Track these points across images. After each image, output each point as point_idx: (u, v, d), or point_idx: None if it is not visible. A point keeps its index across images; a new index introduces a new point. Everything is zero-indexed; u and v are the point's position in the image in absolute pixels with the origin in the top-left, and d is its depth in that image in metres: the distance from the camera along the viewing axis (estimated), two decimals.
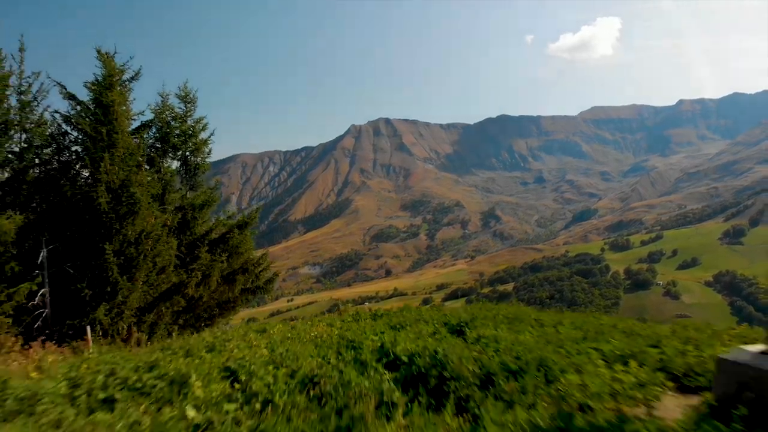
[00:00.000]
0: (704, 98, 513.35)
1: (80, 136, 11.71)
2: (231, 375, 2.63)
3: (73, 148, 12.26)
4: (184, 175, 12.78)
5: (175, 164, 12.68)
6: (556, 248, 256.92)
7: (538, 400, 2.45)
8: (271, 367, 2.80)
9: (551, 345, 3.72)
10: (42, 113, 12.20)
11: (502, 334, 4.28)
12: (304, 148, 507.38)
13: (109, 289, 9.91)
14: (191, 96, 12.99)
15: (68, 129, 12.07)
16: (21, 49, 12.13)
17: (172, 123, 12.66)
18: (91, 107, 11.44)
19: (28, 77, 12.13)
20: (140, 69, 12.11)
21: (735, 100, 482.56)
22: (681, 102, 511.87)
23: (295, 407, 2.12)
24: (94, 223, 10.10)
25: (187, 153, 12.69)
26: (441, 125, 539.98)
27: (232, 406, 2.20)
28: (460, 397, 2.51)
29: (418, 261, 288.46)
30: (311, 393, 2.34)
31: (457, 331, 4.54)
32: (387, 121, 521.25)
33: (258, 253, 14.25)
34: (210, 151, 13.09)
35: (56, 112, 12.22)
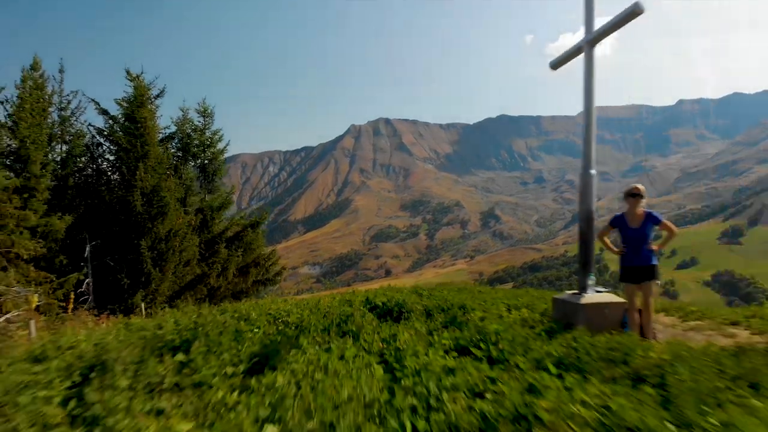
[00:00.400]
0: (704, 98, 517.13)
1: (113, 147, 13.44)
2: (274, 318, 4.24)
3: (106, 156, 14.00)
4: (202, 180, 14.50)
5: (195, 170, 14.40)
6: (555, 248, 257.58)
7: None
8: (297, 309, 4.52)
9: (476, 300, 5.51)
10: (79, 127, 13.96)
11: (445, 294, 6.20)
12: (304, 148, 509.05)
13: (143, 279, 11.64)
14: (209, 111, 14.74)
15: (101, 141, 13.80)
16: (60, 71, 13.90)
17: (192, 135, 14.38)
18: (122, 121, 13.18)
19: (67, 95, 13.89)
20: (164, 87, 13.86)
21: (734, 99, 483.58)
22: (680, 102, 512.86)
23: (316, 321, 3.73)
24: (129, 223, 11.83)
25: (206, 161, 14.43)
26: (441, 125, 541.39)
27: (280, 326, 3.80)
28: (409, 319, 4.23)
29: (418, 261, 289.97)
30: (326, 318, 4.00)
31: (417, 293, 6.52)
32: (387, 121, 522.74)
33: (268, 249, 16.09)
34: (224, 160, 14.87)
35: (90, 125, 13.98)
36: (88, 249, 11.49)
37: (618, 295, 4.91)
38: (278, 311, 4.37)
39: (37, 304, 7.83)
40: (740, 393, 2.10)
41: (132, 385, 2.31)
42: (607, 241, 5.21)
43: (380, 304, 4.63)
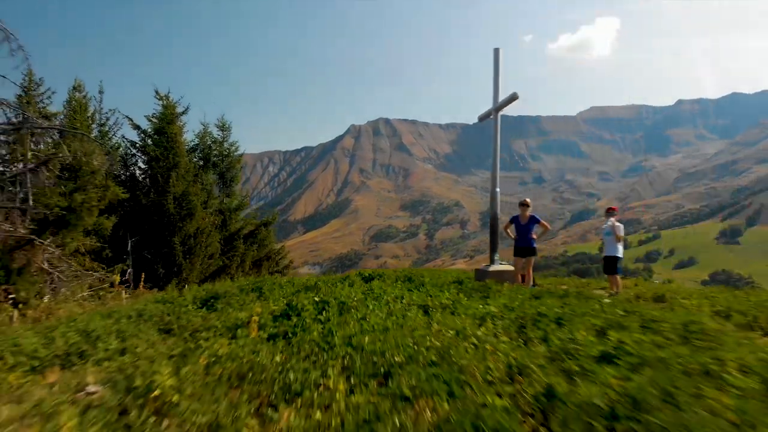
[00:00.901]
0: (703, 98, 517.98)
1: (145, 157, 15.76)
2: (295, 283, 6.62)
3: (139, 165, 16.31)
4: (221, 185, 16.80)
5: (215, 177, 16.72)
6: (554, 248, 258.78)
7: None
8: (315, 279, 7.01)
9: (433, 275, 7.97)
10: (116, 140, 16.29)
11: (414, 270, 8.86)
12: (304, 148, 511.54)
13: (176, 269, 13.96)
14: (227, 125, 17.11)
15: (135, 152, 16.11)
16: (100, 92, 16.25)
17: (212, 146, 16.71)
18: (152, 135, 15.49)
19: (106, 113, 16.23)
20: (189, 105, 16.17)
21: (734, 100, 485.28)
22: (680, 102, 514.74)
23: (327, 280, 6.20)
24: (163, 222, 14.15)
25: (224, 169, 16.75)
26: (440, 125, 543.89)
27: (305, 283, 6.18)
28: (382, 279, 6.65)
29: (418, 261, 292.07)
30: (333, 279, 6.43)
31: (394, 271, 9.08)
32: (386, 121, 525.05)
33: (278, 245, 18.47)
34: (241, 168, 17.25)
35: (124, 137, 16.31)
36: (129, 244, 13.83)
37: (510, 266, 8.12)
38: (300, 282, 6.68)
39: (112, 282, 10.12)
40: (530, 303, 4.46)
41: (235, 303, 4.65)
42: (509, 231, 8.21)
43: (366, 274, 7.00)
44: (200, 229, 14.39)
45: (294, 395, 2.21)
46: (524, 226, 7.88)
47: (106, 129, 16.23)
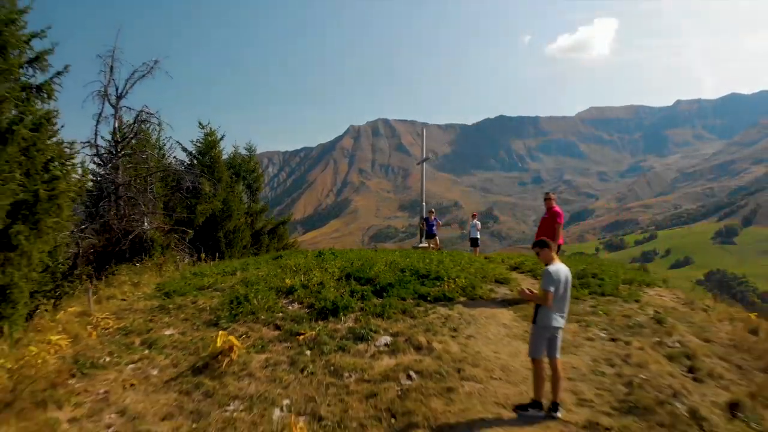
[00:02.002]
0: (702, 98, 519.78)
1: (194, 173, 20.71)
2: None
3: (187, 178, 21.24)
4: (248, 193, 21.68)
5: (243, 187, 21.67)
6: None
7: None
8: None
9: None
10: (170, 161, 21.24)
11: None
12: (303, 149, 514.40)
13: (219, 257, 18.97)
14: (253, 147, 22.10)
15: (184, 169, 21.05)
16: (159, 123, 21.27)
17: (242, 164, 21.68)
18: (197, 155, 20.45)
19: (163, 140, 21.18)
20: (225, 133, 21.10)
21: (732, 100, 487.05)
22: (678, 102, 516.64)
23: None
24: (212, 221, 19.14)
25: (251, 181, 21.66)
26: (439, 125, 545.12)
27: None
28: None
29: None
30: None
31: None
32: (386, 121, 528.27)
33: (291, 239, 23.41)
34: (263, 180, 22.20)
35: (174, 157, 21.26)
36: (188, 237, 18.85)
37: (428, 244, 13.63)
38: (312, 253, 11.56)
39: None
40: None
41: (288, 259, 9.74)
42: (423, 226, 13.95)
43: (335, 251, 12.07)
44: (237, 226, 19.33)
45: (306, 271, 7.12)
46: (431, 223, 15.21)
47: (163, 152, 21.23)
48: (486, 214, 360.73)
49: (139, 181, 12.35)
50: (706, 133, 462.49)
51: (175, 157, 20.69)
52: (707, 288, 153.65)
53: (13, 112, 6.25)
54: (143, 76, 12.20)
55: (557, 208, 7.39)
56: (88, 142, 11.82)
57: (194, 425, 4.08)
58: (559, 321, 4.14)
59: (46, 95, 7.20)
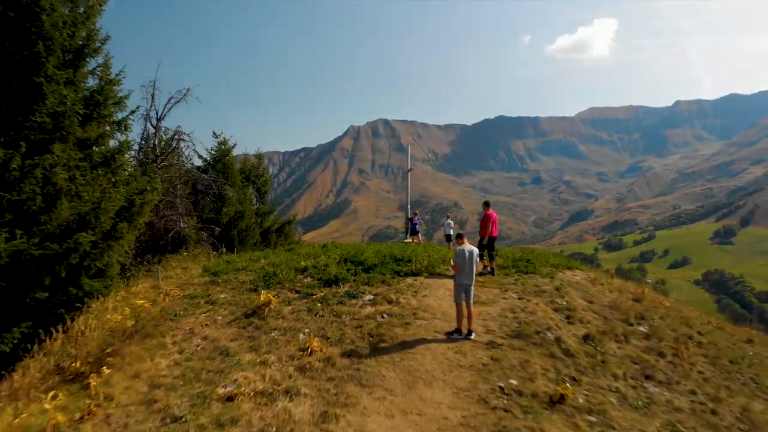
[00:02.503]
0: (701, 99, 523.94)
1: (218, 181, 23.46)
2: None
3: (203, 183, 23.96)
4: (257, 196, 24.42)
5: (253, 190, 24.40)
6: (551, 248, 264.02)
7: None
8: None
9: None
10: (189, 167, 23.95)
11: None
12: (303, 149, 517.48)
13: (233, 252, 21.73)
14: (261, 155, 24.88)
15: (202, 174, 23.80)
16: (191, 141, 23.89)
17: (252, 170, 24.42)
18: (212, 162, 23.18)
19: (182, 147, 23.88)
20: (236, 142, 23.83)
21: (732, 100, 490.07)
22: (678, 102, 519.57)
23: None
24: (227, 222, 21.91)
25: (260, 186, 24.41)
26: (439, 126, 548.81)
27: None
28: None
29: None
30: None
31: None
32: (385, 122, 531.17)
33: (296, 237, 26.14)
34: (271, 184, 24.98)
35: (191, 163, 24.01)
36: (216, 234, 21.55)
37: (413, 240, 16.29)
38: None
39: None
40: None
41: (300, 250, 12.48)
42: (408, 225, 16.40)
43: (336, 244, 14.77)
44: (248, 225, 22.07)
45: (314, 257, 9.81)
46: (414, 222, 18.06)
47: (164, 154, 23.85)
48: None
49: (174, 188, 15.10)
50: (705, 134, 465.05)
51: (192, 163, 23.41)
52: (704, 288, 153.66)
53: (111, 143, 8.99)
54: (178, 101, 14.95)
55: (488, 212, 10.15)
56: (135, 156, 14.59)
57: (251, 343, 6.81)
58: (467, 280, 6.89)
59: (124, 128, 9.96)
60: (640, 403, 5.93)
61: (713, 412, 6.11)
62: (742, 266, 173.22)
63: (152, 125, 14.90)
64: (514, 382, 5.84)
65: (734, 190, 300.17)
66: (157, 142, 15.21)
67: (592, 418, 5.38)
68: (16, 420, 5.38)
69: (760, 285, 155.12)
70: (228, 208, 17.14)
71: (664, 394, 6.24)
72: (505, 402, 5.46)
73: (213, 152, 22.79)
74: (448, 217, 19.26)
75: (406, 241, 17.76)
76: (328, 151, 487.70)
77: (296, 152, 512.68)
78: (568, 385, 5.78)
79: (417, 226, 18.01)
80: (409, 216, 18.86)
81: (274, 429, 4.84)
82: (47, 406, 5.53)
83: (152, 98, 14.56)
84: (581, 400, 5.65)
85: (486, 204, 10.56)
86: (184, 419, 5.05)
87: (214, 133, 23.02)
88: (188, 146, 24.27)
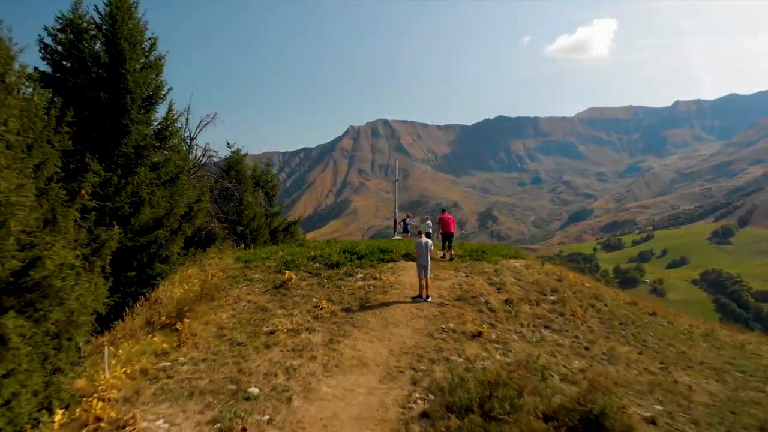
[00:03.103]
0: (700, 99, 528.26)
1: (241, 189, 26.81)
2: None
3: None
4: (266, 199, 27.80)
5: (262, 194, 27.78)
6: (550, 248, 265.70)
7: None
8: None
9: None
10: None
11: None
12: (303, 149, 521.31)
13: (247, 247, 25.09)
14: (270, 163, 28.26)
15: (227, 184, 27.18)
16: (219, 156, 27.48)
17: (262, 177, 27.82)
18: (228, 170, 26.53)
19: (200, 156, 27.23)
20: (247, 151, 27.22)
21: (731, 100, 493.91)
22: (677, 103, 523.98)
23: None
24: (240, 222, 25.30)
25: (269, 190, 27.81)
26: (439, 126, 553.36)
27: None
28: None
29: None
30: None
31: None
32: (385, 122, 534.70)
33: (302, 236, 29.54)
34: (279, 189, 28.39)
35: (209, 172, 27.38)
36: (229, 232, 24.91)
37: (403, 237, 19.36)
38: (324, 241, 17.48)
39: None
40: None
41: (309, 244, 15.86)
42: (399, 225, 19.74)
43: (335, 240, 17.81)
44: (259, 225, 25.46)
45: (321, 249, 13.18)
46: (406, 222, 21.16)
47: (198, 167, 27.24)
48: (485, 214, 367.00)
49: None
50: (704, 134, 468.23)
51: (208, 170, 26.72)
52: (702, 287, 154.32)
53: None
54: (207, 124, 18.33)
55: (443, 215, 13.67)
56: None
57: (281, 304, 10.19)
58: (424, 262, 10.28)
59: (177, 151, 13.33)
60: (534, 339, 9.30)
61: (586, 348, 9.46)
62: (739, 266, 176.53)
63: (187, 144, 18.27)
64: (451, 325, 9.21)
65: (733, 190, 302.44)
66: (191, 158, 18.56)
67: (498, 346, 8.74)
68: (136, 347, 8.72)
69: (758, 284, 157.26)
70: (248, 211, 20.52)
71: (554, 337, 9.61)
72: (443, 336, 8.83)
73: (228, 160, 26.14)
74: (428, 218, 22.45)
75: (396, 237, 21.02)
76: (327, 152, 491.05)
77: (296, 152, 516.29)
78: (485, 327, 9.14)
79: (408, 226, 21.08)
80: (402, 218, 22.05)
81: (301, 347, 8.19)
82: (153, 339, 8.89)
83: (186, 121, 17.94)
84: (493, 336, 9.01)
85: (443, 210, 13.97)
86: (244, 344, 8.40)
87: (228, 143, 26.37)
88: (213, 159, 27.78)
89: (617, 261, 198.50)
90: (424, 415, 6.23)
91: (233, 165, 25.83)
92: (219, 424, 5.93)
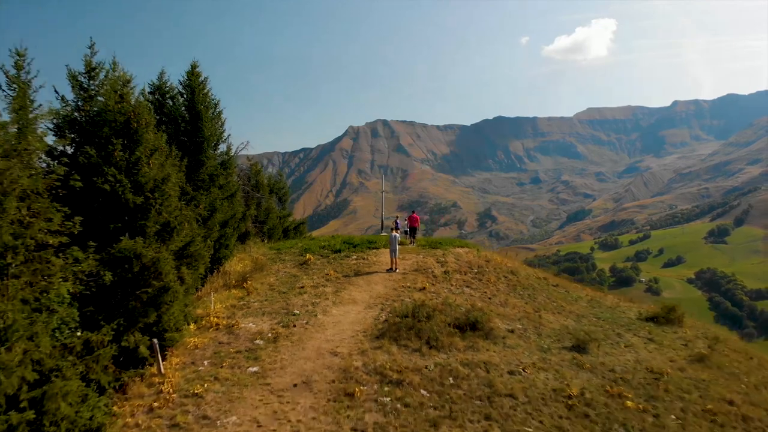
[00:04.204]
0: (698, 99, 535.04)
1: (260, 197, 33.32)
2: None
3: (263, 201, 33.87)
4: (278, 203, 34.34)
5: (275, 199, 34.32)
6: (548, 247, 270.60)
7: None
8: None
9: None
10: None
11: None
12: (303, 149, 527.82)
13: (264, 241, 31.66)
14: (282, 173, 34.81)
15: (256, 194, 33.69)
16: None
17: (275, 183, 34.33)
18: (246, 179, 33.05)
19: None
20: (265, 163, 33.73)
21: (729, 100, 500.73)
22: (675, 103, 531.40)
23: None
24: (259, 221, 31.83)
25: (281, 195, 34.34)
26: (438, 126, 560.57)
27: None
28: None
29: None
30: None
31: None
32: (384, 122, 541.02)
33: (308, 234, 36.07)
34: (289, 193, 34.94)
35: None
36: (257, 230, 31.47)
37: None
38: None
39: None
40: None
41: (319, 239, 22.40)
42: (392, 224, 25.73)
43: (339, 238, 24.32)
44: (273, 225, 31.99)
45: (328, 241, 19.71)
46: (398, 224, 25.87)
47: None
48: (484, 214, 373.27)
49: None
50: (702, 134, 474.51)
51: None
52: (697, 286, 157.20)
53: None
54: (241, 150, 24.73)
55: (413, 215, 20.14)
56: None
57: (305, 273, 16.71)
58: (393, 247, 16.81)
59: (230, 173, 19.82)
60: (457, 292, 15.76)
61: (489, 298, 15.90)
62: (734, 265, 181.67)
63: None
64: (408, 284, 15.70)
65: (730, 190, 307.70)
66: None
67: (433, 294, 15.19)
68: (223, 295, 15.15)
69: (752, 283, 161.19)
70: (273, 214, 27.02)
71: (470, 291, 16.08)
72: (402, 289, 15.31)
73: (247, 171, 32.45)
74: (407, 219, 28.16)
75: (383, 234, 27.32)
76: (327, 152, 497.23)
77: (296, 152, 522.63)
78: (428, 285, 15.61)
79: (399, 226, 27.23)
80: (394, 218, 27.99)
81: (319, 294, 14.65)
82: (231, 292, 15.36)
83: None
84: (432, 289, 15.49)
85: (413, 211, 20.50)
86: (286, 293, 14.85)
87: (248, 158, 32.81)
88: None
89: (614, 260, 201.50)
90: (385, 320, 12.70)
91: (252, 176, 32.22)
92: (281, 324, 12.39)
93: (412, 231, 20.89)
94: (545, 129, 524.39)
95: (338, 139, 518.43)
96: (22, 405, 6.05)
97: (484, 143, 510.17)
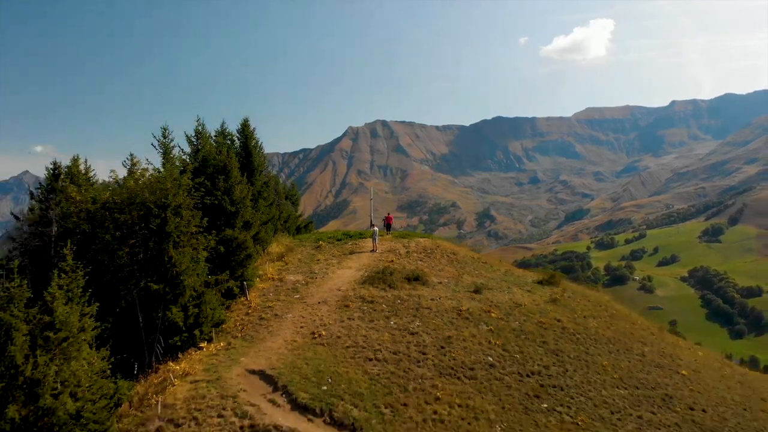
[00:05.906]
0: (697, 99, 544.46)
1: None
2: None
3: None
4: (292, 205, 44.27)
5: (288, 202, 44.30)
6: (546, 247, 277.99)
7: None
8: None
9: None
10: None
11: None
12: (302, 150, 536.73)
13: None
14: (294, 182, 44.85)
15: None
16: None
17: (289, 190, 44.30)
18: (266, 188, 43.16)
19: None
20: (278, 174, 43.78)
21: (727, 100, 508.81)
22: (674, 102, 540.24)
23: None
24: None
25: (292, 199, 44.28)
26: (437, 127, 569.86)
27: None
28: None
29: None
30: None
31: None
32: (384, 123, 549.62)
33: (315, 231, 46.04)
34: (300, 196, 44.78)
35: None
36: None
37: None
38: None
39: None
40: None
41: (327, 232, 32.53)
42: (381, 222, 36.24)
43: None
44: (291, 223, 42.06)
45: (333, 234, 29.85)
46: (387, 223, 36.07)
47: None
48: (483, 214, 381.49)
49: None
50: (700, 134, 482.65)
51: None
52: (690, 284, 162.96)
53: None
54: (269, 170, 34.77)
55: (389, 215, 30.43)
56: None
57: (318, 253, 26.87)
58: (374, 238, 26.87)
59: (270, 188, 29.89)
60: (413, 264, 25.74)
61: (439, 270, 25.87)
62: (728, 263, 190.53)
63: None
64: (383, 258, 25.77)
65: (726, 189, 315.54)
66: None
67: (398, 266, 25.16)
68: (269, 266, 25.17)
69: (744, 281, 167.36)
70: (291, 216, 37.10)
71: (421, 263, 26.10)
72: (378, 261, 25.32)
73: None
74: (383, 219, 37.49)
75: (369, 229, 37.03)
76: (327, 152, 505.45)
77: (295, 153, 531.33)
78: (395, 259, 25.61)
79: (375, 225, 37.25)
80: (384, 217, 37.39)
81: (328, 263, 24.71)
82: (276, 263, 25.44)
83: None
84: (397, 261, 25.52)
85: (388, 214, 30.61)
86: (308, 262, 24.94)
87: (266, 169, 42.78)
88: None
89: (610, 259, 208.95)
90: (367, 275, 22.73)
91: (273, 186, 42.19)
92: (308, 276, 22.48)
93: (388, 227, 30.92)
94: (544, 129, 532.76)
95: (338, 140, 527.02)
96: (193, 304, 16.11)
97: (483, 143, 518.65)
